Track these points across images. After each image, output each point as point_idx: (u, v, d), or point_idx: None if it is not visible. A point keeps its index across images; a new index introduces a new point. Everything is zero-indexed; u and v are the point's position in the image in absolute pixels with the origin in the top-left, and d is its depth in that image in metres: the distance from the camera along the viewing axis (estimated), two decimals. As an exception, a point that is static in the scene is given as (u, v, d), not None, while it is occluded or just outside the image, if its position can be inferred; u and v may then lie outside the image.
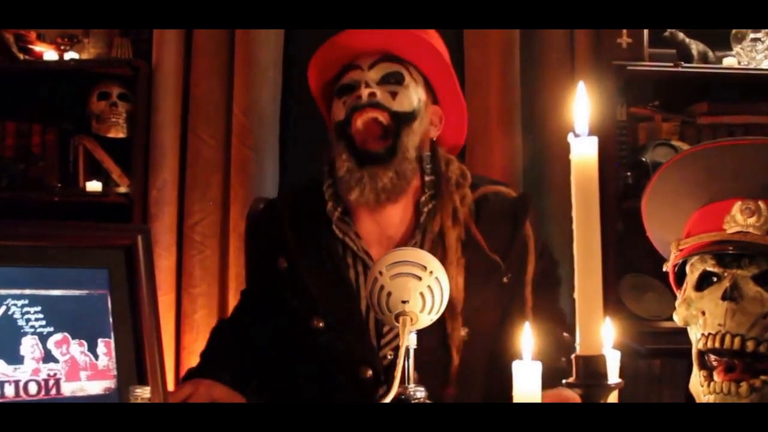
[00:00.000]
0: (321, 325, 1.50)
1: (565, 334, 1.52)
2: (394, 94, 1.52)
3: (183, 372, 2.66)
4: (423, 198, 1.54)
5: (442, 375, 1.47)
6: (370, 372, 1.46)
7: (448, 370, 1.47)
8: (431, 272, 1.15)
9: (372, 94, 1.50)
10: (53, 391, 1.37)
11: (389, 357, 1.47)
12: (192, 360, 2.62)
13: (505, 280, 1.52)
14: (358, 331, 1.49)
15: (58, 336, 1.40)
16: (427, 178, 1.55)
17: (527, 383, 0.99)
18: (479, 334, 1.50)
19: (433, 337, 1.41)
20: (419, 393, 1.13)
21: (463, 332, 1.46)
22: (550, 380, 1.06)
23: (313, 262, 1.54)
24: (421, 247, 1.50)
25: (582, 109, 0.78)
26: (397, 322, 1.14)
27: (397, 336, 1.37)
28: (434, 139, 1.60)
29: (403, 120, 1.51)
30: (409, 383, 1.13)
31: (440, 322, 1.31)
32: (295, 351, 1.55)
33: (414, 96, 1.53)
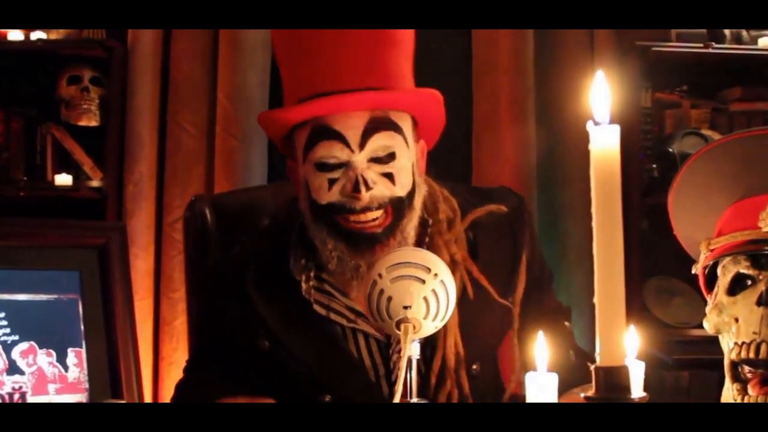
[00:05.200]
0: (328, 398, 1.42)
1: (566, 323, 1.55)
2: (390, 177, 1.37)
3: (162, 384, 2.68)
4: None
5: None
6: None
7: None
8: (436, 275, 1.15)
9: (372, 192, 1.35)
10: (18, 406, 1.37)
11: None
12: (171, 371, 2.62)
13: (509, 302, 1.49)
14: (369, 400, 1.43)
15: (23, 345, 1.40)
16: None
17: (542, 395, 0.99)
18: (489, 362, 1.53)
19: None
20: (422, 408, 1.13)
21: (474, 366, 1.46)
22: (562, 377, 1.07)
23: (306, 342, 1.44)
24: None
25: (602, 94, 0.77)
26: (398, 329, 1.14)
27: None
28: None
29: (407, 203, 1.39)
30: (411, 397, 1.13)
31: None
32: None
33: (407, 162, 1.39)
